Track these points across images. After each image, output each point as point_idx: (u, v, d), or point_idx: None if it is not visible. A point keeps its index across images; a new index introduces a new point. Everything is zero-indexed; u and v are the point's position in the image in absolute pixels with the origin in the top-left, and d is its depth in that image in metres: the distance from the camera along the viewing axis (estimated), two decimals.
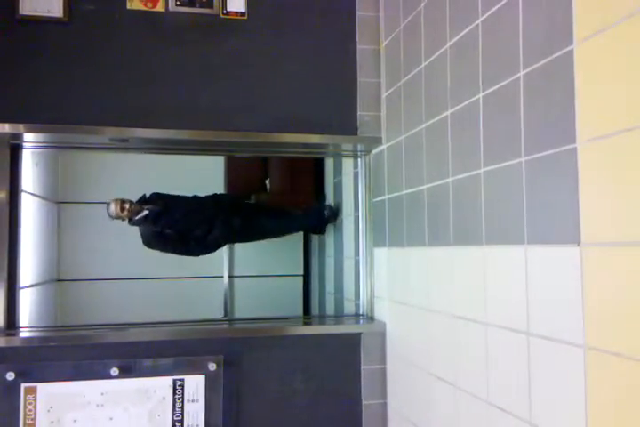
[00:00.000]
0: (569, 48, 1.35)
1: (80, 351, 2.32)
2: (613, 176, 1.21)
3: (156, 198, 3.85)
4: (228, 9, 2.56)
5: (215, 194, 4.16)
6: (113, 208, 3.61)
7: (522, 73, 1.53)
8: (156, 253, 4.19)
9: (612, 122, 1.21)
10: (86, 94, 2.44)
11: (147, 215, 3.73)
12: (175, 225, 3.81)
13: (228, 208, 4.03)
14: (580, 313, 1.29)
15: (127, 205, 3.63)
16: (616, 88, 1.21)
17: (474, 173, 1.77)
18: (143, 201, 3.81)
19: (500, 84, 1.64)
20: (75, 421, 2.25)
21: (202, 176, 4.55)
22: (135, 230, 4.00)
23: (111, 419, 2.27)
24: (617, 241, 1.19)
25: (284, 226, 4.31)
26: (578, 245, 1.30)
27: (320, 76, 2.66)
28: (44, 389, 2.24)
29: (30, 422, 2.22)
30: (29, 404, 2.23)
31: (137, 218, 3.73)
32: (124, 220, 3.70)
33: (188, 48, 2.55)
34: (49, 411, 2.24)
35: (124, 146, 2.64)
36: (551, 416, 1.40)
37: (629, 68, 1.17)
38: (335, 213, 4.08)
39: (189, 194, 4.14)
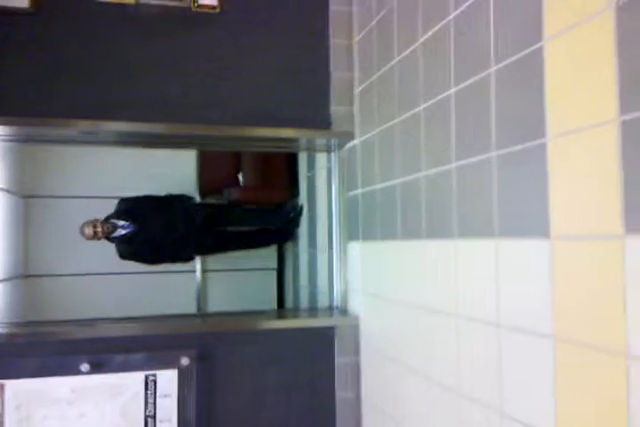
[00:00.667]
0: (539, 44, 1.37)
1: (49, 347, 2.28)
2: (581, 171, 1.24)
3: (125, 209, 3.91)
4: (200, 2, 2.53)
5: (188, 205, 4.21)
6: (86, 232, 3.71)
7: (493, 69, 1.55)
8: None
9: (580, 117, 1.24)
10: (54, 87, 2.39)
11: (122, 236, 3.84)
12: (149, 245, 3.94)
13: (202, 223, 4.13)
14: (550, 305, 1.32)
15: (99, 229, 3.73)
16: (584, 84, 1.23)
17: (446, 167, 1.79)
18: (115, 215, 3.88)
19: (472, 80, 1.65)
20: (45, 418, 2.21)
21: (173, 170, 4.49)
22: None
23: (82, 415, 2.25)
24: (585, 234, 1.22)
25: (257, 241, 4.48)
26: (547, 238, 1.33)
27: (293, 70, 2.65)
28: (12, 386, 2.20)
29: None
30: None
31: (112, 237, 3.84)
32: (97, 239, 3.79)
33: (158, 41, 2.52)
34: (18, 408, 2.20)
35: (93, 139, 2.60)
36: (522, 406, 1.43)
37: (596, 65, 1.19)
38: (298, 216, 4.27)
39: (160, 191, 4.15)
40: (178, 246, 4.06)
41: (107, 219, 3.86)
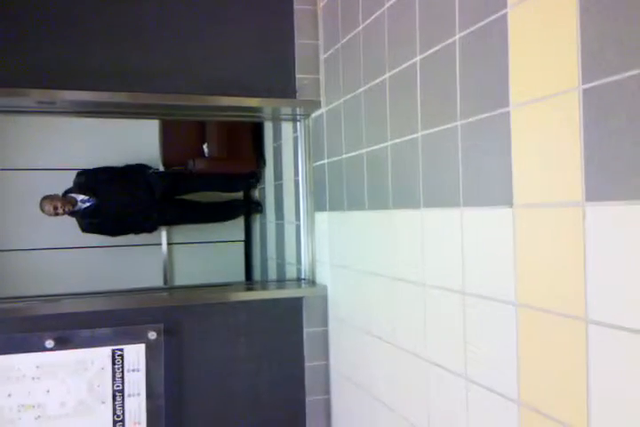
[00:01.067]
0: (503, 11, 1.35)
1: (13, 324, 2.24)
2: (543, 139, 1.24)
3: (84, 182, 3.86)
4: None
5: (147, 172, 4.18)
6: (46, 208, 3.69)
7: (457, 36, 1.53)
8: None
9: (543, 86, 1.24)
10: (8, 53, 2.28)
11: (83, 209, 3.83)
12: (110, 218, 3.94)
13: (162, 194, 4.12)
14: (512, 272, 1.34)
15: (59, 204, 3.71)
16: (546, 53, 1.22)
17: (412, 136, 1.78)
18: (74, 189, 3.86)
19: (437, 48, 1.63)
20: (9, 395, 2.19)
21: (136, 140, 4.40)
22: None
23: (48, 391, 2.22)
24: (547, 202, 1.23)
25: (219, 213, 4.49)
26: (510, 206, 1.34)
27: (257, 37, 2.58)
28: None
29: None
30: None
31: (73, 211, 3.83)
32: (59, 215, 3.77)
33: (117, 4, 2.41)
34: None
35: (51, 109, 2.50)
36: (486, 371, 1.46)
37: (559, 33, 1.19)
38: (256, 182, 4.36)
39: (123, 163, 4.09)
40: (140, 217, 4.06)
41: (66, 193, 3.80)
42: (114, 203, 3.91)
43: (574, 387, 1.17)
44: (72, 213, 3.84)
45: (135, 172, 4.14)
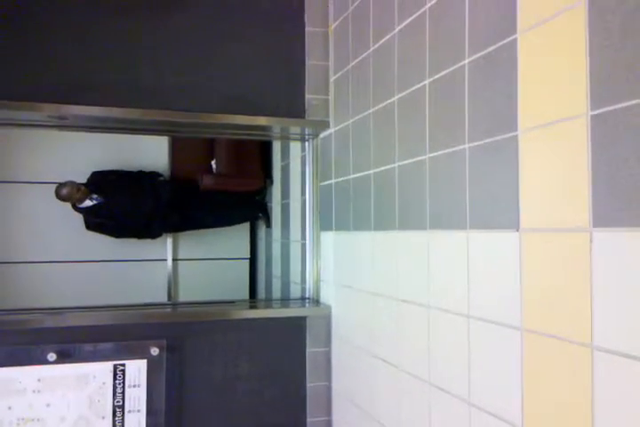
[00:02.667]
0: (513, 37, 1.37)
1: (16, 336, 2.23)
2: (551, 164, 1.24)
3: (96, 182, 4.01)
4: None
5: (158, 179, 4.25)
6: (64, 191, 3.76)
7: (467, 60, 1.55)
8: (98, 236, 4.13)
9: (551, 111, 1.24)
10: (21, 68, 2.32)
11: (90, 207, 3.90)
12: (116, 218, 4.00)
13: (170, 200, 4.18)
14: (518, 297, 1.33)
15: (75, 190, 3.79)
16: (555, 78, 1.24)
17: (419, 158, 1.79)
18: (86, 185, 3.95)
19: (446, 71, 1.65)
20: (9, 408, 2.17)
21: (145, 156, 4.43)
22: (74, 211, 3.95)
23: (48, 405, 2.21)
24: (554, 227, 1.23)
25: (225, 220, 4.49)
26: (517, 230, 1.34)
27: (268, 58, 2.62)
28: None
29: None
30: None
31: (81, 207, 3.90)
32: (70, 202, 3.87)
33: (131, 22, 2.46)
34: None
35: (62, 124, 2.53)
36: (490, 396, 1.44)
37: (569, 59, 1.20)
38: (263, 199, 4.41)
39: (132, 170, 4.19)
40: (144, 221, 4.10)
41: None
42: (119, 204, 3.99)
43: (579, 414, 1.16)
44: (78, 209, 3.91)
45: (145, 177, 4.23)
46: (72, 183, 3.80)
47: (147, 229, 4.18)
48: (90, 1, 2.41)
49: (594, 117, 1.14)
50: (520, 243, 1.33)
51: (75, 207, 3.93)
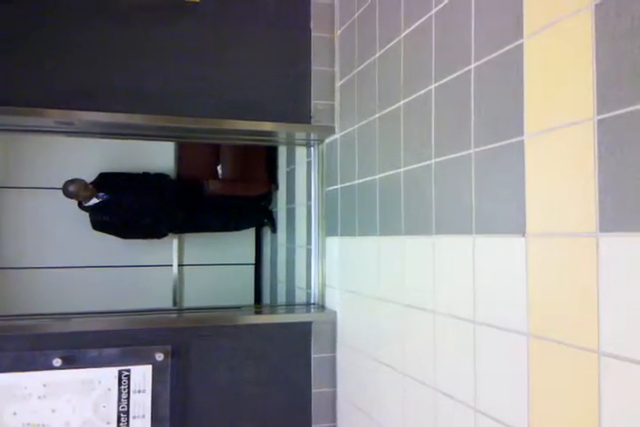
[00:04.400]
0: (519, 41, 1.37)
1: (22, 342, 2.24)
2: (557, 169, 1.24)
3: (103, 182, 4.06)
4: None
5: (165, 181, 4.32)
6: (71, 189, 3.78)
7: (473, 65, 1.55)
8: (103, 241, 4.15)
9: (558, 116, 1.24)
10: (29, 75, 2.33)
11: (96, 205, 3.93)
12: (122, 217, 4.04)
13: (175, 200, 4.24)
14: (525, 302, 1.33)
15: (82, 188, 3.82)
16: (562, 83, 1.23)
17: (425, 163, 1.79)
18: (94, 184, 3.99)
19: (452, 76, 1.65)
20: (14, 413, 2.17)
21: (152, 162, 4.44)
22: (80, 216, 3.95)
23: (53, 411, 2.21)
24: (560, 232, 1.22)
25: (230, 225, 4.51)
26: (523, 235, 1.33)
27: (274, 63, 2.62)
28: None
29: None
30: None
31: (87, 205, 3.93)
32: (77, 200, 3.90)
33: (137, 29, 2.47)
34: None
35: (68, 130, 2.55)
36: (496, 402, 1.43)
37: (575, 63, 1.20)
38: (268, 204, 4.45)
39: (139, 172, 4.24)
40: (150, 220, 4.13)
41: None
42: (125, 201, 4.02)
43: (586, 420, 1.15)
44: (84, 208, 3.94)
45: (152, 179, 4.27)
46: (80, 181, 3.84)
47: (152, 228, 4.19)
48: (96, 8, 2.43)
49: (600, 122, 1.13)
50: (526, 248, 1.32)
51: (81, 206, 3.96)
